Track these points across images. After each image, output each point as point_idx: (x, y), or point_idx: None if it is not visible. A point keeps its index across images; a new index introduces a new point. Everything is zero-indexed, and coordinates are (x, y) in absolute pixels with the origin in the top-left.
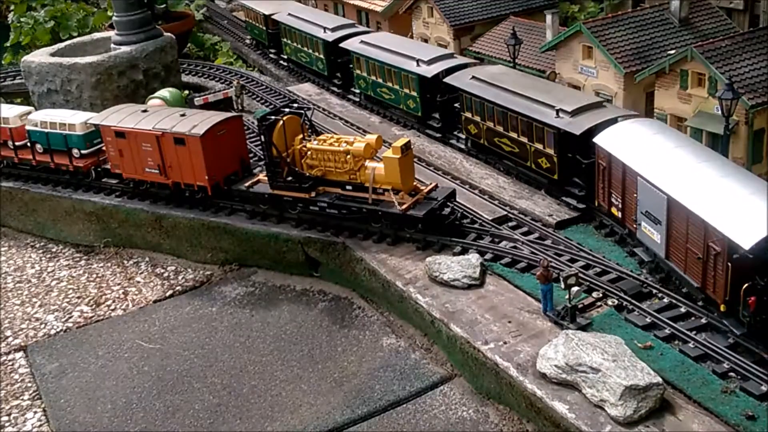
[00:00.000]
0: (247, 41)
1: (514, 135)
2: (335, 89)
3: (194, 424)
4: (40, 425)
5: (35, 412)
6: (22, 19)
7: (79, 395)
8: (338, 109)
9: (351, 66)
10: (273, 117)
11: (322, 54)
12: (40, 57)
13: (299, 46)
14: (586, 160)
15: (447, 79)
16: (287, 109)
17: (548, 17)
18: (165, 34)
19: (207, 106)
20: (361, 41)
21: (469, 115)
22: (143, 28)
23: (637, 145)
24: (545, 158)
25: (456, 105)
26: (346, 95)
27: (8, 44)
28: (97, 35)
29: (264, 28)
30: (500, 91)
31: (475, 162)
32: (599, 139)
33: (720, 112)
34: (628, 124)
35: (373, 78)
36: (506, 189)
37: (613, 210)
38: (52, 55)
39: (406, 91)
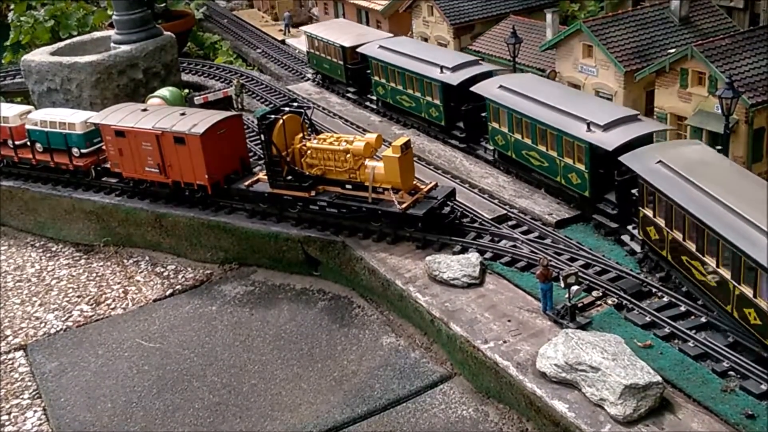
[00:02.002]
0: (308, 76)
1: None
2: (454, 142)
3: (194, 423)
4: (40, 424)
5: (35, 411)
6: (22, 18)
7: (79, 394)
8: (338, 108)
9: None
10: (273, 116)
11: (438, 99)
12: (40, 56)
13: (400, 87)
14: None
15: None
16: (287, 108)
17: (548, 16)
18: (165, 33)
19: (207, 105)
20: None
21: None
22: (143, 27)
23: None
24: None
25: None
26: (474, 151)
27: (8, 43)
28: (96, 34)
29: (341, 62)
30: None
31: (474, 161)
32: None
33: (720, 110)
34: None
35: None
36: (506, 188)
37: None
38: (52, 54)
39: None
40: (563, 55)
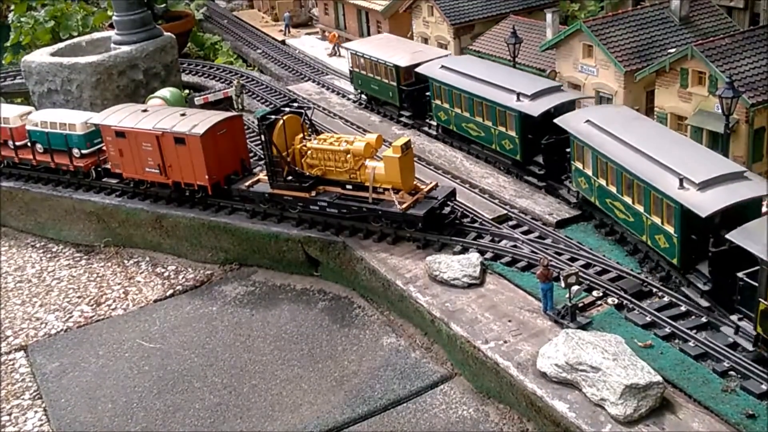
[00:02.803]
0: (351, 98)
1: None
2: (531, 179)
3: (195, 424)
4: (41, 425)
5: (36, 412)
6: (22, 19)
7: (79, 395)
8: (338, 108)
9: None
10: (273, 116)
11: (514, 130)
12: (40, 57)
13: (467, 114)
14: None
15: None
16: (287, 109)
17: (548, 16)
18: (165, 33)
19: (207, 106)
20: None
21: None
22: (143, 27)
23: None
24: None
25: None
26: (554, 191)
27: (8, 44)
28: (97, 35)
29: (394, 83)
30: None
31: (474, 161)
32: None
33: (720, 110)
34: None
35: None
36: (506, 188)
37: None
38: (53, 54)
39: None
40: (563, 55)
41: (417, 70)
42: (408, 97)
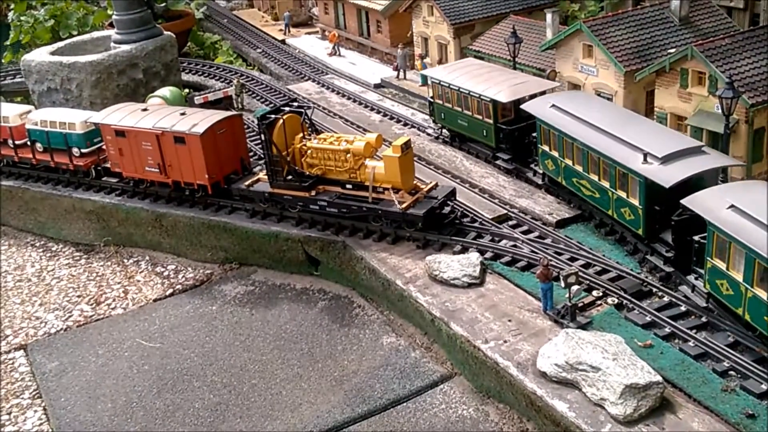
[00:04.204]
0: (429, 132)
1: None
2: (655, 260)
3: (194, 423)
4: (41, 424)
5: (35, 411)
6: (22, 18)
7: (79, 394)
8: (338, 107)
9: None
10: (273, 116)
11: (637, 199)
12: (40, 56)
13: (580, 168)
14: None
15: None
16: (287, 108)
17: (548, 16)
18: (165, 32)
19: (207, 105)
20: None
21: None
22: (143, 26)
23: None
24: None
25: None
26: (681, 283)
27: (8, 43)
28: (96, 34)
29: (489, 121)
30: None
31: (474, 161)
32: None
33: (720, 110)
34: None
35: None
36: (506, 188)
37: None
38: (52, 53)
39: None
40: (563, 55)
41: (523, 106)
42: (508, 137)
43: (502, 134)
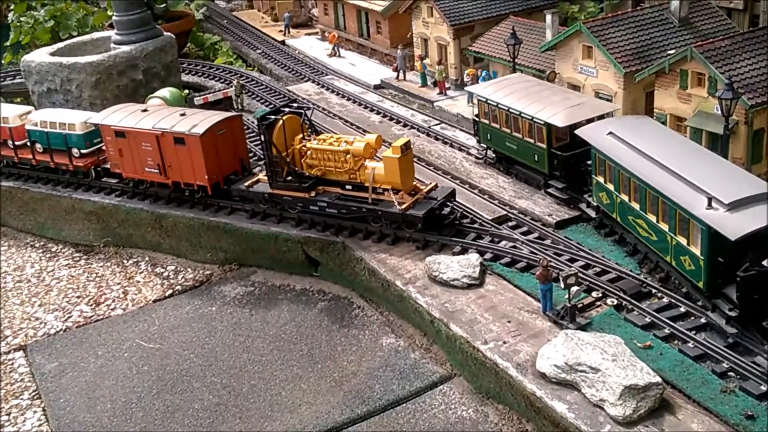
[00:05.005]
0: (473, 152)
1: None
2: (716, 319)
3: (194, 424)
4: (40, 425)
5: (35, 412)
6: (22, 19)
7: (78, 395)
8: (338, 108)
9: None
10: (273, 116)
11: (699, 248)
12: (39, 56)
13: (637, 206)
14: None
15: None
16: (287, 109)
17: (548, 17)
18: (165, 33)
19: (207, 106)
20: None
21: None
22: (143, 27)
23: None
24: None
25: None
26: (751, 353)
27: (8, 44)
28: (96, 35)
29: (543, 146)
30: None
31: (474, 161)
32: None
33: (720, 111)
34: None
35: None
36: (506, 189)
37: None
38: (52, 54)
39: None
40: (563, 56)
41: (578, 132)
42: (563, 164)
43: (556, 160)
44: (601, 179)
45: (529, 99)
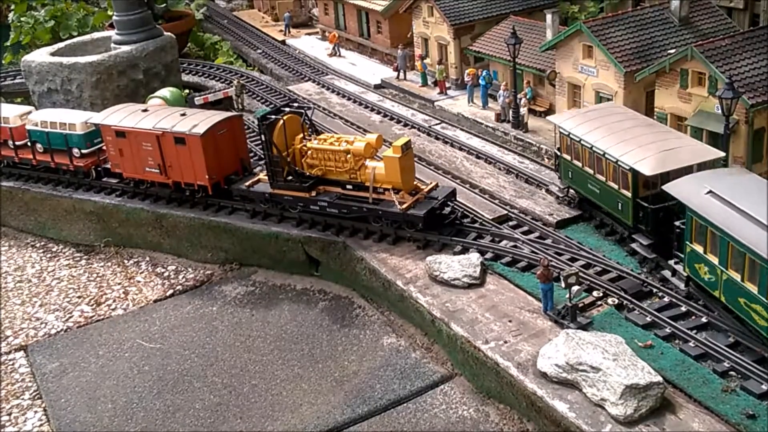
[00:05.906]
0: (552, 188)
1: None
2: None
3: (195, 424)
4: (41, 425)
5: (36, 412)
6: (22, 19)
7: (79, 395)
8: (338, 108)
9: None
10: (273, 116)
11: None
12: (40, 56)
13: (752, 288)
14: None
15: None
16: (287, 109)
17: (548, 16)
18: (165, 33)
19: (207, 106)
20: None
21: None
22: (143, 27)
23: None
24: None
25: None
26: None
27: (8, 44)
28: (97, 35)
29: (627, 193)
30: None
31: (474, 161)
32: None
33: (720, 111)
34: None
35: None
36: (507, 188)
37: None
38: (53, 54)
39: None
40: (563, 56)
41: (668, 188)
42: (650, 217)
43: (642, 212)
44: (699, 248)
45: (617, 137)
